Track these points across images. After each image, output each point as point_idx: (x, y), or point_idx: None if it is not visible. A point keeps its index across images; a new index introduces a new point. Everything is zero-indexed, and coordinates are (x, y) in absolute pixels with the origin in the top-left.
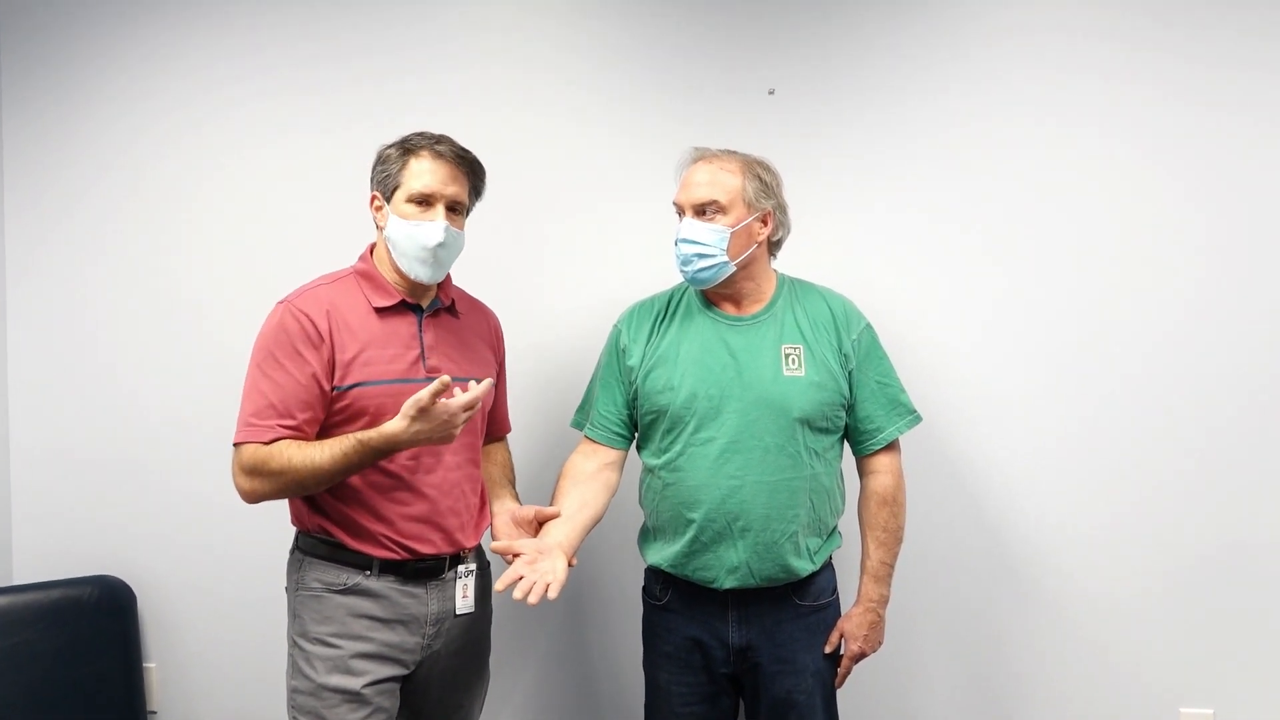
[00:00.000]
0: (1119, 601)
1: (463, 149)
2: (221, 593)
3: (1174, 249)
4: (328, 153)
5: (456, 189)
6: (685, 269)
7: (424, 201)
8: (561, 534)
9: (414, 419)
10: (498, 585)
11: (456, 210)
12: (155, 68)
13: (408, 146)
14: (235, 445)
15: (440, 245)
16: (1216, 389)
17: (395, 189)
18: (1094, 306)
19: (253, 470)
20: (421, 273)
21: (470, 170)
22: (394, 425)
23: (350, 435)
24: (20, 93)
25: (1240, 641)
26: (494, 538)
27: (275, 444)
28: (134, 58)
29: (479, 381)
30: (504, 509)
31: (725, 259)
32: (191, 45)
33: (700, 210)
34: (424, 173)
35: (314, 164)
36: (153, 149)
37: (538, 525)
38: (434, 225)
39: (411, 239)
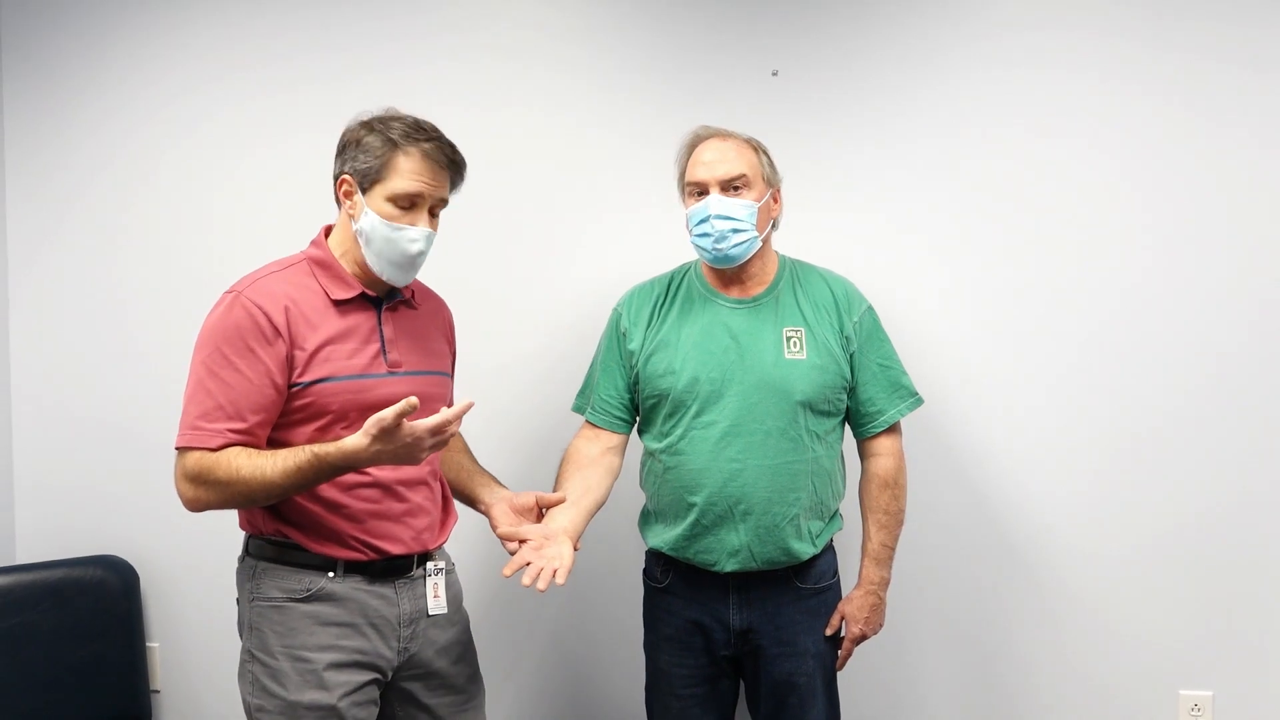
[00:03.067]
0: (1119, 584)
1: (453, 150)
2: (225, 572)
3: (1168, 236)
4: (326, 145)
5: (444, 192)
6: (719, 246)
7: (409, 204)
8: (566, 519)
9: (375, 438)
10: (505, 570)
11: (436, 212)
12: (154, 58)
13: (393, 138)
14: (178, 450)
15: (421, 253)
16: (1220, 374)
17: (375, 182)
18: (1097, 289)
19: (197, 478)
20: (396, 276)
21: (456, 171)
22: (354, 442)
23: (306, 448)
24: (21, 83)
25: (1240, 624)
26: (494, 525)
27: (223, 451)
28: (133, 47)
29: (446, 375)
30: (498, 496)
31: (755, 233)
32: (191, 35)
33: (728, 185)
34: (413, 174)
35: (313, 155)
36: (157, 132)
37: (539, 511)
38: (417, 231)
39: (391, 243)
